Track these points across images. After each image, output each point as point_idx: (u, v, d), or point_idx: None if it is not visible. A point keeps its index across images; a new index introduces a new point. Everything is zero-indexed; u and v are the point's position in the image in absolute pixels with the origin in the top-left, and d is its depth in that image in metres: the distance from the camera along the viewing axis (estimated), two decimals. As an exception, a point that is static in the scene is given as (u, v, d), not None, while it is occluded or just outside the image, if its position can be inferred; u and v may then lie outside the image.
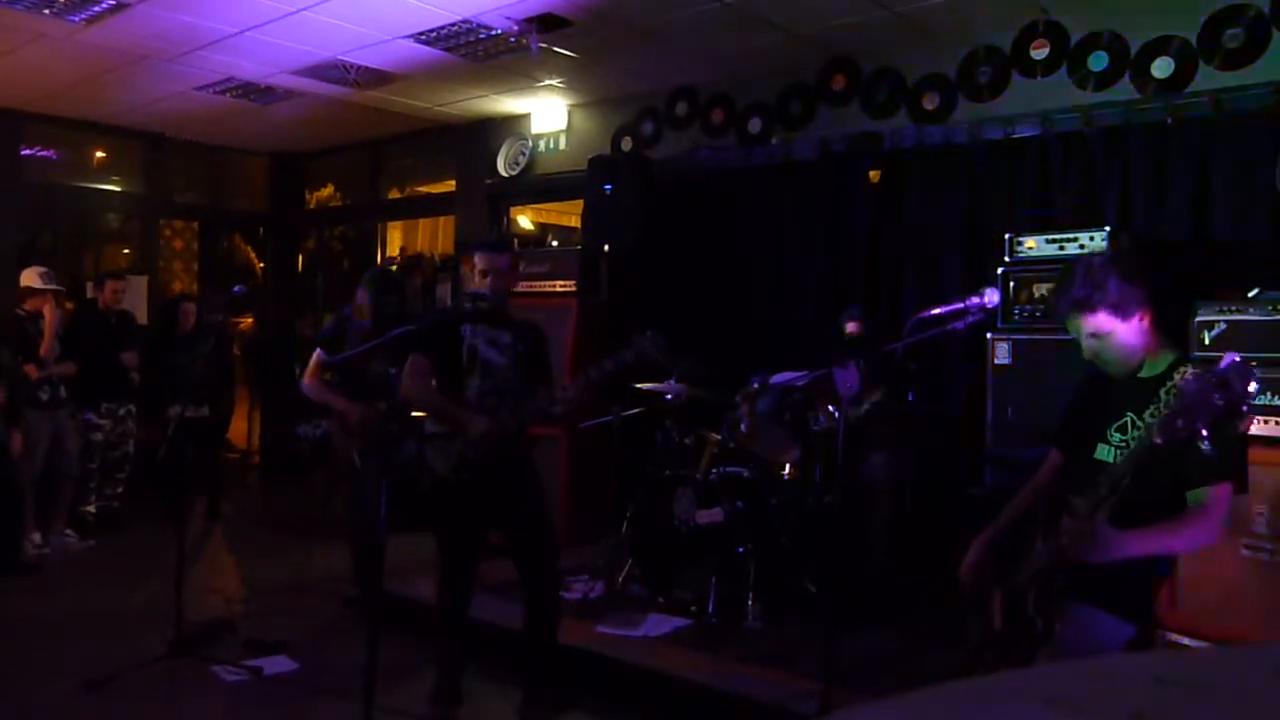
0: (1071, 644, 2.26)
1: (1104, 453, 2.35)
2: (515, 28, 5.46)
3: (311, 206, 9.70)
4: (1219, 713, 0.82)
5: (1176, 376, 2.24)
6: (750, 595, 4.34)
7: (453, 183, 8.24)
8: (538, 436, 3.71)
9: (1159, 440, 2.00)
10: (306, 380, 4.67)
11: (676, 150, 6.50)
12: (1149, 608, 2.40)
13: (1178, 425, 1.95)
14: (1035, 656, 2.32)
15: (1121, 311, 2.29)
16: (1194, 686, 0.85)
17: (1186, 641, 3.57)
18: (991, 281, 4.37)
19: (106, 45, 6.02)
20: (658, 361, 3.53)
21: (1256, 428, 3.51)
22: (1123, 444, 2.30)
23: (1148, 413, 2.24)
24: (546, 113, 7.29)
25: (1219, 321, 3.68)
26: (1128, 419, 2.32)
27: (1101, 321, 2.31)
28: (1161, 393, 2.23)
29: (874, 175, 5.67)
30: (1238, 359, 1.91)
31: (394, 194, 9.02)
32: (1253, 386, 1.89)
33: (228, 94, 7.07)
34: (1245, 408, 1.90)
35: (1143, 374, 2.37)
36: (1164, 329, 2.40)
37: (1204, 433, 1.95)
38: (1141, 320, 2.32)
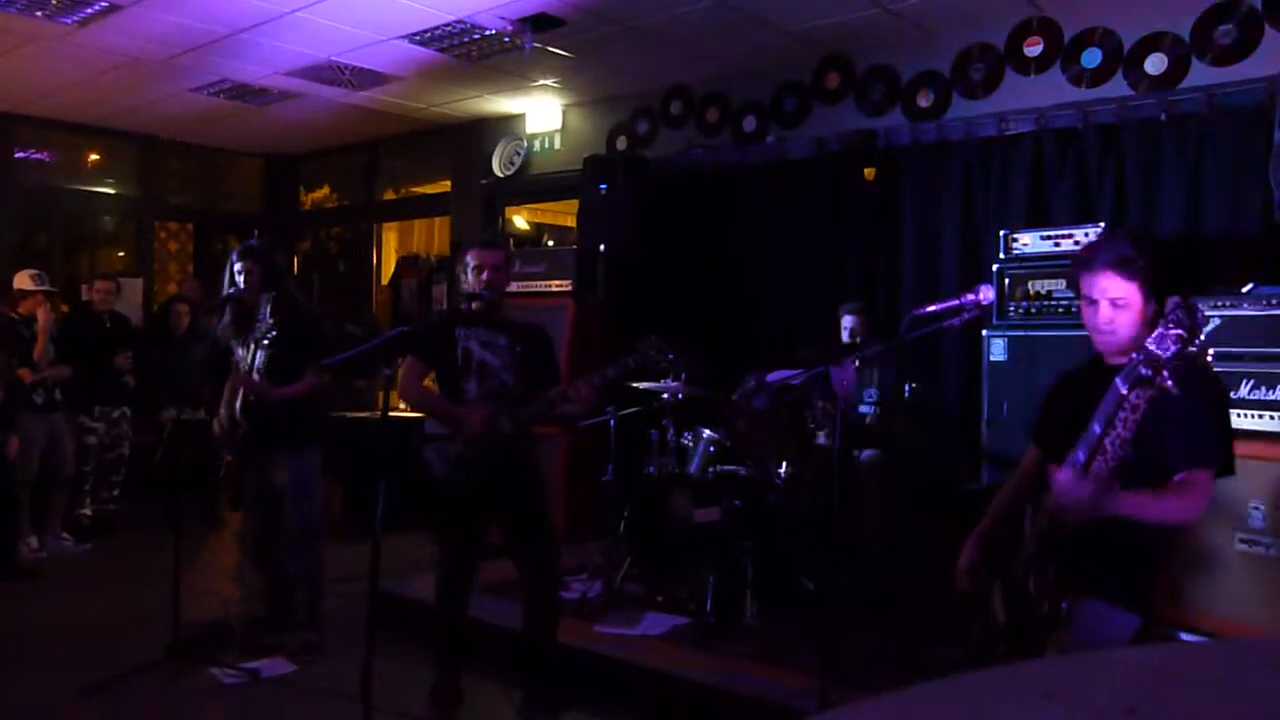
0: (1083, 640, 2.27)
1: None
2: (509, 28, 5.46)
3: (307, 208, 9.69)
4: (1213, 706, 0.82)
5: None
6: (748, 593, 4.34)
7: (448, 183, 8.24)
8: (538, 436, 3.70)
9: (1124, 390, 2.04)
10: (405, 387, 3.80)
11: (672, 149, 6.50)
12: (1150, 597, 2.41)
13: (1142, 373, 1.99)
14: (1047, 642, 2.33)
15: (1146, 289, 2.33)
16: (1189, 680, 0.86)
17: (1182, 636, 3.58)
18: (987, 278, 4.39)
19: (100, 47, 6.01)
20: (661, 365, 3.54)
21: (1252, 423, 3.53)
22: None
23: None
24: (541, 113, 7.29)
25: (1213, 317, 3.68)
26: None
27: (1131, 291, 2.33)
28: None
29: (869, 173, 5.67)
30: (1179, 299, 1.96)
31: (389, 195, 9.01)
32: (1200, 318, 1.95)
33: (222, 95, 7.06)
34: (1198, 341, 1.93)
35: (1122, 360, 2.39)
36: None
37: (1167, 375, 1.98)
38: (1149, 308, 2.35)
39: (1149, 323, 2.37)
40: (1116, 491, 2.16)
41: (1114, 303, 2.34)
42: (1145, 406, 2.17)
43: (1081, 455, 2.17)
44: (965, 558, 2.58)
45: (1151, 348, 1.99)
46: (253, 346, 4.16)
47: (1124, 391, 2.04)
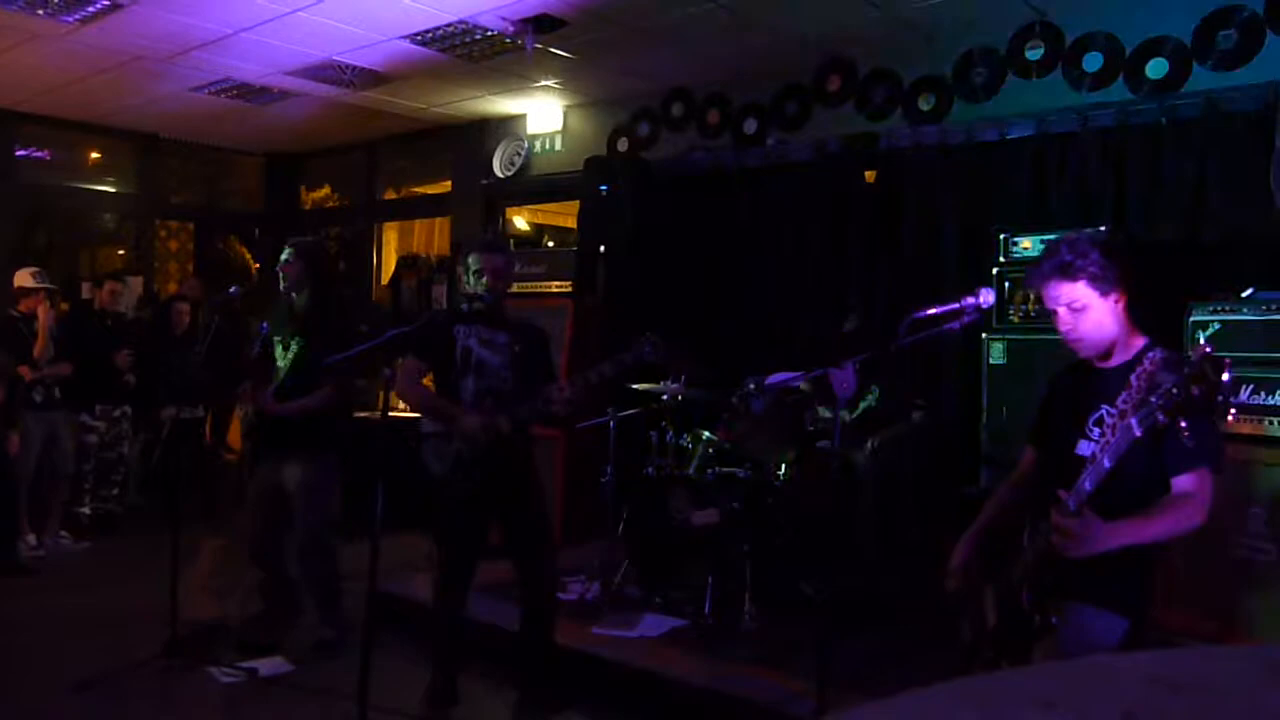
0: (1071, 644, 2.27)
1: (1085, 448, 2.36)
2: (511, 28, 5.46)
3: (307, 207, 9.69)
4: (1211, 714, 0.82)
5: (1146, 362, 2.25)
6: (746, 596, 4.34)
7: (449, 183, 8.24)
8: (537, 437, 3.71)
9: (1139, 433, 2.03)
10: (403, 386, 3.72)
11: (672, 151, 6.50)
12: (1143, 600, 2.40)
13: (1158, 420, 1.98)
14: (1032, 652, 2.33)
15: (1100, 285, 2.33)
16: (1186, 687, 0.85)
17: (1181, 641, 3.58)
18: (986, 282, 4.38)
19: (101, 45, 6.00)
20: (658, 364, 3.54)
21: (1252, 428, 3.52)
22: (1102, 438, 2.31)
23: (1120, 399, 2.25)
24: (542, 113, 7.29)
25: (1213, 322, 3.69)
26: (1103, 411, 2.34)
27: (1081, 292, 2.34)
28: (1132, 378, 2.24)
29: (870, 176, 5.67)
30: (1209, 350, 1.93)
31: (390, 195, 9.01)
32: (1226, 376, 1.91)
33: (223, 94, 7.06)
34: (1220, 397, 1.92)
35: (1113, 363, 2.39)
36: (1138, 320, 2.42)
37: (1184, 425, 1.97)
38: (1117, 302, 2.35)
39: (1124, 310, 2.37)
40: (1112, 526, 2.15)
41: (1070, 308, 2.36)
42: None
43: (1089, 485, 2.15)
44: (958, 557, 2.59)
45: (1172, 391, 1.95)
46: (281, 347, 4.18)
47: (1138, 434, 2.03)
